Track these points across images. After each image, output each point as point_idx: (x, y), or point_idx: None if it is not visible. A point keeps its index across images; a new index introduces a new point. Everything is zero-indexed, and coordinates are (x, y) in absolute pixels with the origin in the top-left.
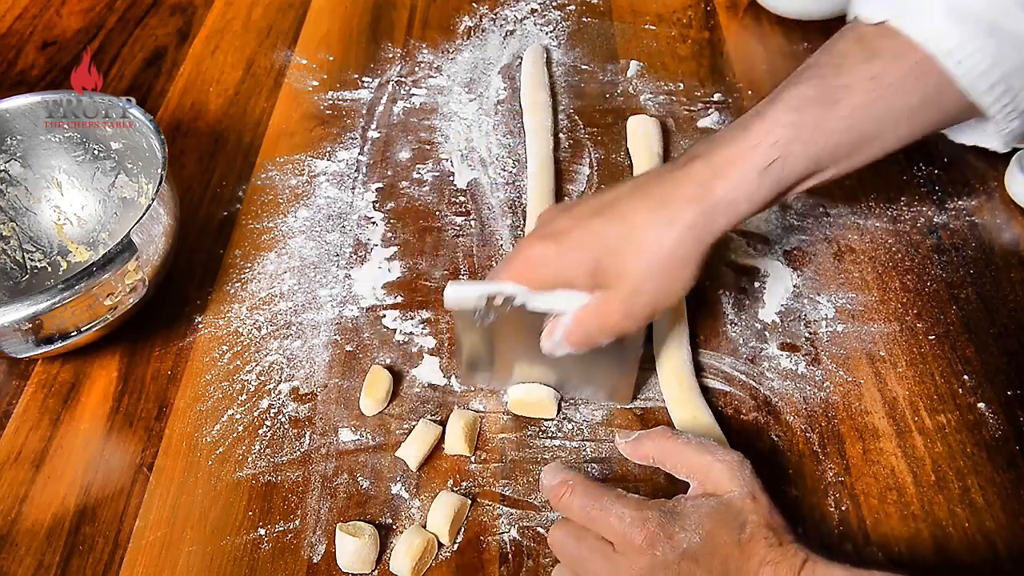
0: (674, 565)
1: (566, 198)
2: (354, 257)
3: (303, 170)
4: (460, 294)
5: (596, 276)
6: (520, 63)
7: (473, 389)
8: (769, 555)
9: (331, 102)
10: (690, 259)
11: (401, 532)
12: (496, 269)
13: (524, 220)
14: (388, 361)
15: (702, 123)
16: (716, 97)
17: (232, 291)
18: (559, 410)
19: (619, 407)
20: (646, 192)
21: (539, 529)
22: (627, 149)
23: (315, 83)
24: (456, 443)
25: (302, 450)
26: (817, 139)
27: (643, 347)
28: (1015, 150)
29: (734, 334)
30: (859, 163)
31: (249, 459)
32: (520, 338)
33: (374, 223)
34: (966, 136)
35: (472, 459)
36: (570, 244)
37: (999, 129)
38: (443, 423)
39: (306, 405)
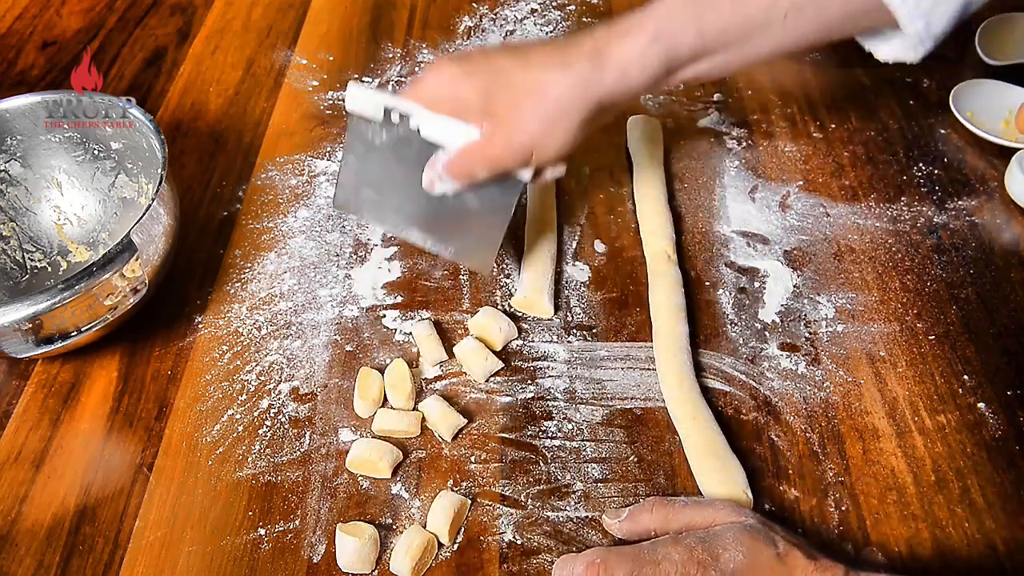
0: None
1: (566, 198)
2: (354, 257)
3: (303, 170)
4: (361, 96)
5: (487, 103)
6: None
7: (345, 216)
8: (810, 566)
9: (331, 102)
10: (575, 108)
11: (401, 532)
12: (402, 89)
13: (524, 219)
14: (388, 361)
15: (702, 123)
16: (716, 97)
17: (232, 291)
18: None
19: (609, 409)
20: (552, 44)
21: (538, 529)
22: (627, 149)
23: (315, 83)
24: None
25: (302, 450)
26: (706, 17)
27: (512, 212)
28: (1014, 150)
29: (734, 334)
30: (751, 55)
31: (249, 459)
32: (404, 172)
33: None
34: (884, 49)
35: (472, 459)
36: (471, 68)
37: (904, 26)
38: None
39: (306, 405)
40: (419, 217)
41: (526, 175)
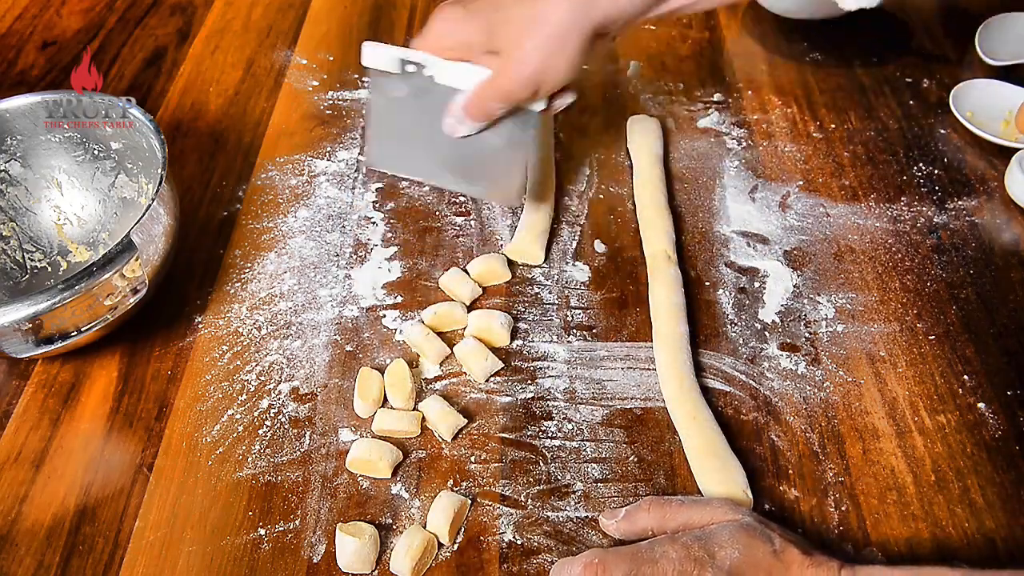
0: None
1: (565, 198)
2: (354, 257)
3: (303, 170)
4: (376, 52)
5: (491, 41)
6: None
7: (376, 173)
8: (806, 562)
9: (331, 102)
10: (572, 34)
11: (401, 532)
12: (413, 41)
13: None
14: (388, 361)
15: (702, 123)
16: (716, 97)
17: (232, 291)
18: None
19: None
20: None
21: (538, 529)
22: (627, 149)
23: (315, 83)
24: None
25: (302, 450)
26: None
27: (531, 143)
28: (1014, 150)
29: (734, 334)
30: None
31: (249, 459)
32: (426, 120)
33: (374, 223)
34: None
35: (472, 459)
36: (472, 9)
37: None
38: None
39: (306, 405)
40: (446, 162)
41: (539, 105)
